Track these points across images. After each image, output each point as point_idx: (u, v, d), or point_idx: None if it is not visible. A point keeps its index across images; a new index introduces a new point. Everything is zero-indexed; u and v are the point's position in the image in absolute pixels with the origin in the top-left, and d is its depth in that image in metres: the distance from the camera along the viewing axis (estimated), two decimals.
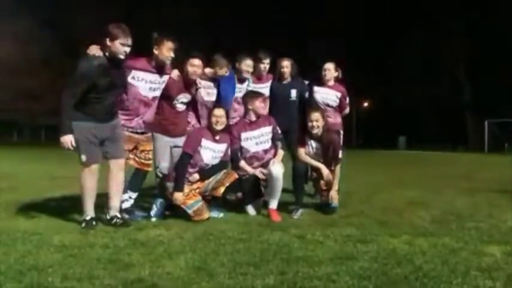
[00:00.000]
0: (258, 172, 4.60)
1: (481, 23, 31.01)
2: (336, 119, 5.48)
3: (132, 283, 2.46)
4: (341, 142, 5.22)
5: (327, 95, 5.48)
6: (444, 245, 3.32)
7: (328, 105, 5.44)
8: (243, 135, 4.68)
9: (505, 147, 30.11)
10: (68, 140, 3.69)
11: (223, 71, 4.71)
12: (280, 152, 4.71)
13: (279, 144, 4.78)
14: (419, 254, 3.08)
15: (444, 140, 34.29)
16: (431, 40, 33.55)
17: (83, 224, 3.82)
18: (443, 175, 9.96)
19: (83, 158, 3.78)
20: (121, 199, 4.18)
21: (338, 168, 4.82)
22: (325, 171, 4.74)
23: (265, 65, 5.21)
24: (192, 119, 4.78)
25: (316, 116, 4.74)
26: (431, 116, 37.88)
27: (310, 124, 4.73)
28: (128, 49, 3.80)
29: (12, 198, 5.34)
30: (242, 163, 4.67)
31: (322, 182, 4.82)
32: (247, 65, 4.99)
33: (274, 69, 5.41)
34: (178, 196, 4.20)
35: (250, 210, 4.60)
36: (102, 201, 4.12)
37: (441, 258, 2.96)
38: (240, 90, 5.08)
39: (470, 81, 35.54)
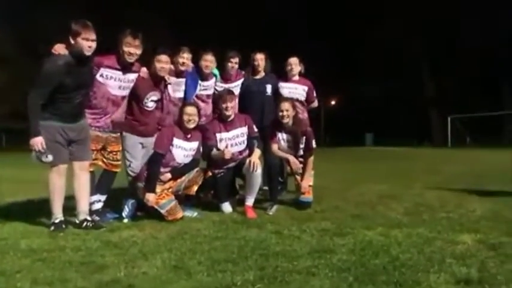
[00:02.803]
0: (227, 152, 4.47)
1: (440, 20, 31.99)
2: (303, 115, 5.46)
3: (107, 285, 2.37)
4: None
5: (295, 89, 5.46)
6: (418, 235, 3.38)
7: (296, 99, 5.34)
8: (218, 136, 4.61)
9: (467, 141, 31.29)
10: (38, 141, 3.56)
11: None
12: (257, 151, 4.56)
13: (255, 143, 4.63)
14: (395, 244, 3.12)
15: (410, 136, 35.22)
16: (394, 37, 34.35)
17: (52, 227, 3.68)
18: (411, 169, 10.22)
19: (50, 158, 3.62)
20: (89, 201, 4.05)
21: (311, 160, 4.84)
22: (292, 159, 4.75)
23: (233, 64, 5.12)
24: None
25: (286, 105, 4.73)
26: (397, 112, 38.81)
27: (280, 114, 4.71)
28: (91, 44, 3.65)
29: None
30: (213, 151, 4.57)
31: (297, 177, 4.83)
32: (206, 60, 4.87)
33: (245, 66, 5.37)
34: (150, 197, 4.10)
35: (225, 207, 4.55)
36: (70, 204, 3.98)
37: (417, 248, 3.00)
38: (206, 88, 4.98)
39: (433, 78, 36.70)
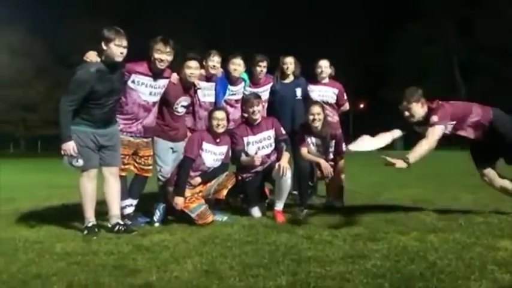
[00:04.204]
0: (256, 158, 4.46)
1: (474, 21, 31.26)
2: (333, 118, 5.33)
3: None
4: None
5: (325, 92, 5.37)
6: (456, 241, 3.25)
7: (326, 102, 5.27)
8: (245, 139, 4.59)
9: None
10: (70, 146, 3.64)
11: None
12: (286, 154, 4.51)
13: (284, 146, 4.59)
14: (431, 250, 3.01)
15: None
16: (425, 39, 33.74)
17: (85, 231, 3.74)
18: (444, 173, 9.94)
19: (80, 162, 3.71)
20: (121, 206, 4.10)
21: (341, 164, 4.76)
22: (323, 163, 4.68)
23: (262, 68, 5.08)
24: (188, 121, 4.70)
25: (316, 109, 4.67)
26: None
27: (311, 117, 4.66)
28: (123, 50, 3.73)
29: (11, 208, 5.24)
30: (243, 157, 4.56)
31: (327, 181, 4.76)
32: (234, 63, 4.84)
33: (273, 70, 5.33)
34: (178, 201, 4.12)
35: (255, 212, 4.52)
36: (102, 208, 4.04)
37: (455, 254, 2.88)
38: (234, 93, 4.96)
39: (465, 79, 35.75)
